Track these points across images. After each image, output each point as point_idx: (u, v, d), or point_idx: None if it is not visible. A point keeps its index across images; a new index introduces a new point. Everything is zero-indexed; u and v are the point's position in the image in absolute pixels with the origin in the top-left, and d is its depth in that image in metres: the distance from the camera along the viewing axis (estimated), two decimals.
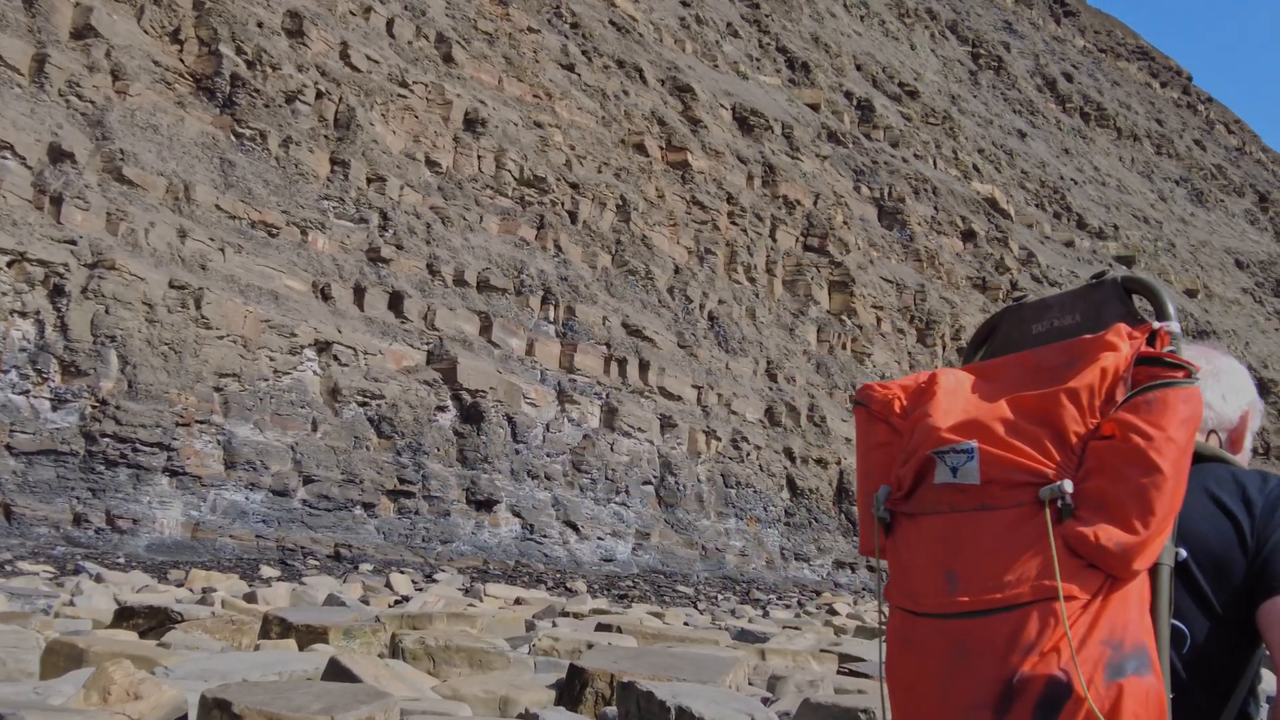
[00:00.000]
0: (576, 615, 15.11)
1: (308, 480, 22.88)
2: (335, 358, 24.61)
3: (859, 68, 59.00)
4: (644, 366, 30.87)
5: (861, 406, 1.67)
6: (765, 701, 7.14)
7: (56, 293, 20.84)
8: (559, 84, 36.64)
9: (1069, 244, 59.88)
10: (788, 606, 23.60)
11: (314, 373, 24.38)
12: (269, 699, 4.96)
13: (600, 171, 35.10)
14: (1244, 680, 1.53)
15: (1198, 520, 1.52)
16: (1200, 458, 1.57)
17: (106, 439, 20.21)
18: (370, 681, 6.21)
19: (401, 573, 20.29)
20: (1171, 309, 1.53)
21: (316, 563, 21.34)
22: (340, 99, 29.06)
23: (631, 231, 34.43)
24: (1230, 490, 1.55)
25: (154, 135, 24.72)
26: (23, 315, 20.33)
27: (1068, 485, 1.39)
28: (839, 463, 34.18)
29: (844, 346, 38.79)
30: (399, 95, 30.70)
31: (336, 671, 6.54)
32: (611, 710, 6.35)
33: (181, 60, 26.88)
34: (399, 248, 27.85)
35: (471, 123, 32.16)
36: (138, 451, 20.46)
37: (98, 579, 15.93)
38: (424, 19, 33.96)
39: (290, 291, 25.04)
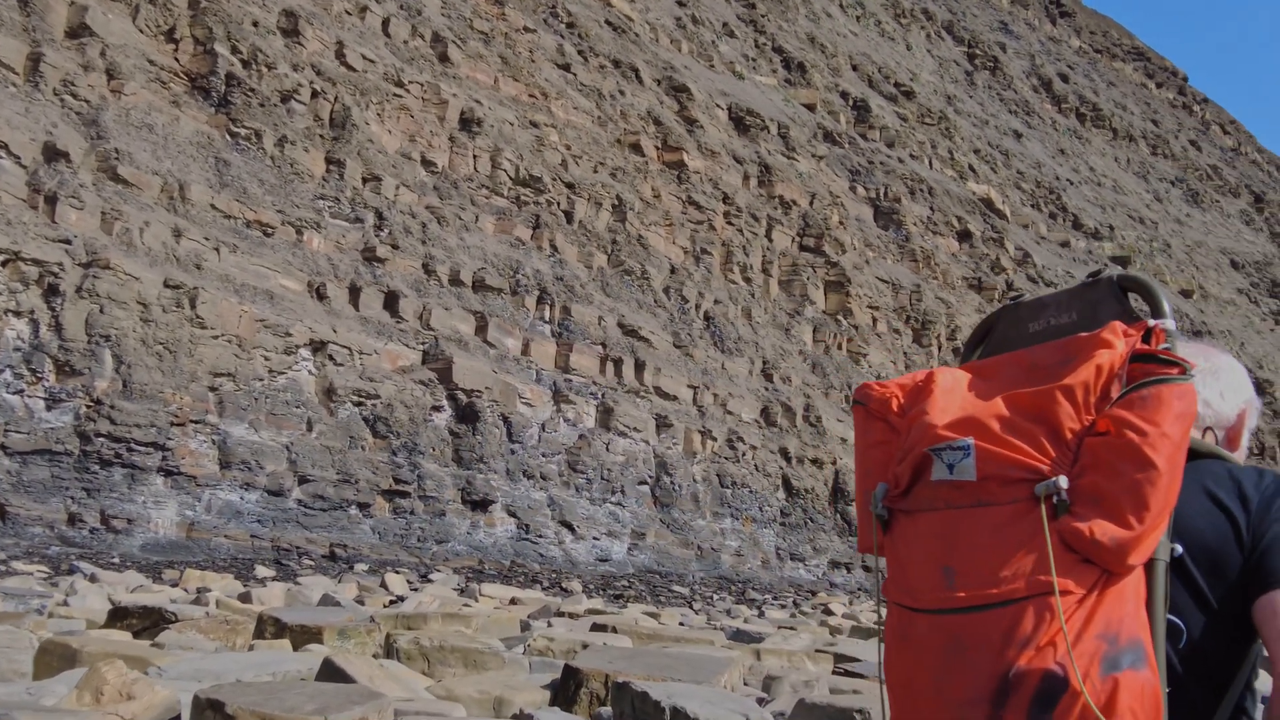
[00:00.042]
0: (572, 615, 15.08)
1: (303, 480, 22.86)
2: (330, 357, 24.59)
3: (855, 68, 59.07)
4: (639, 366, 30.88)
5: (860, 405, 1.68)
6: (760, 702, 7.14)
7: (51, 292, 20.80)
8: (555, 84, 36.63)
9: (1064, 244, 60.02)
10: (783, 606, 23.62)
11: (309, 372, 24.35)
12: (262, 699, 4.95)
13: (596, 171, 35.10)
14: (1240, 675, 1.54)
15: (1194, 516, 1.53)
16: (1197, 454, 1.58)
17: (101, 439, 20.17)
18: (364, 682, 6.21)
19: (397, 573, 20.28)
20: (1167, 307, 1.54)
21: (311, 563, 21.32)
22: (335, 98, 29.03)
23: (627, 231, 34.43)
24: (1226, 486, 1.56)
25: (149, 134, 24.68)
26: (17, 314, 20.29)
27: (1063, 481, 1.40)
28: (834, 463, 34.21)
29: (840, 346, 38.83)
30: (394, 95, 30.67)
31: (331, 672, 6.53)
32: (606, 711, 6.35)
33: (176, 59, 26.83)
34: (394, 247, 27.83)
35: (467, 122, 32.14)
36: (132, 451, 20.43)
37: (92, 579, 15.91)
38: (419, 18, 33.94)
39: (285, 291, 25.01)
